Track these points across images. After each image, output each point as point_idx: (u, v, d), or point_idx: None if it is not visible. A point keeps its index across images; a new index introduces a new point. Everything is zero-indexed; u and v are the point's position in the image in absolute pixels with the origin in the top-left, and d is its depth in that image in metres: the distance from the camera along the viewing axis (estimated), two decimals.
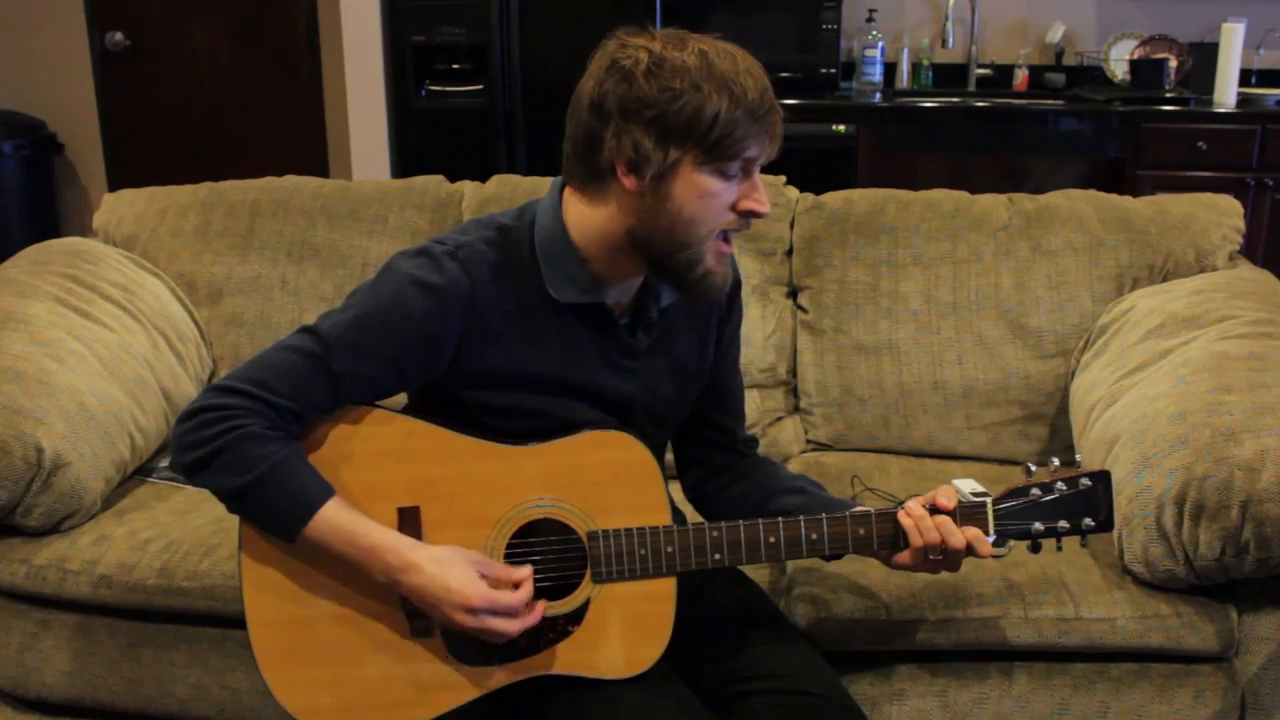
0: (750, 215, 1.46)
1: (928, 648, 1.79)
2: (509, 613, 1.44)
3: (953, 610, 1.77)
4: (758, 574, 1.87)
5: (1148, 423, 1.85)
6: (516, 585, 1.47)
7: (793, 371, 2.41)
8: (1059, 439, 2.28)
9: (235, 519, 1.50)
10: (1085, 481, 1.55)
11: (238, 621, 1.53)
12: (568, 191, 1.52)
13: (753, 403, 2.36)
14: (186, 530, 1.99)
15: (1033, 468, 1.57)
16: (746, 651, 1.59)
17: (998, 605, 1.78)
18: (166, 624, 1.96)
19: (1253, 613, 1.80)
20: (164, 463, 2.26)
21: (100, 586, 1.92)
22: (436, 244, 1.51)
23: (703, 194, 1.42)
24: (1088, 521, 1.55)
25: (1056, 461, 1.56)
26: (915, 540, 1.51)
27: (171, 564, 1.92)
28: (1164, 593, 1.79)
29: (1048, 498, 1.54)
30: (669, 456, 1.79)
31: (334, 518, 1.44)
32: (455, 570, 1.43)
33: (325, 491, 1.45)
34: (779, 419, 2.40)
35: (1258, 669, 1.80)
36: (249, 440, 1.42)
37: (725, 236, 1.48)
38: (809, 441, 2.40)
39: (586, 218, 1.49)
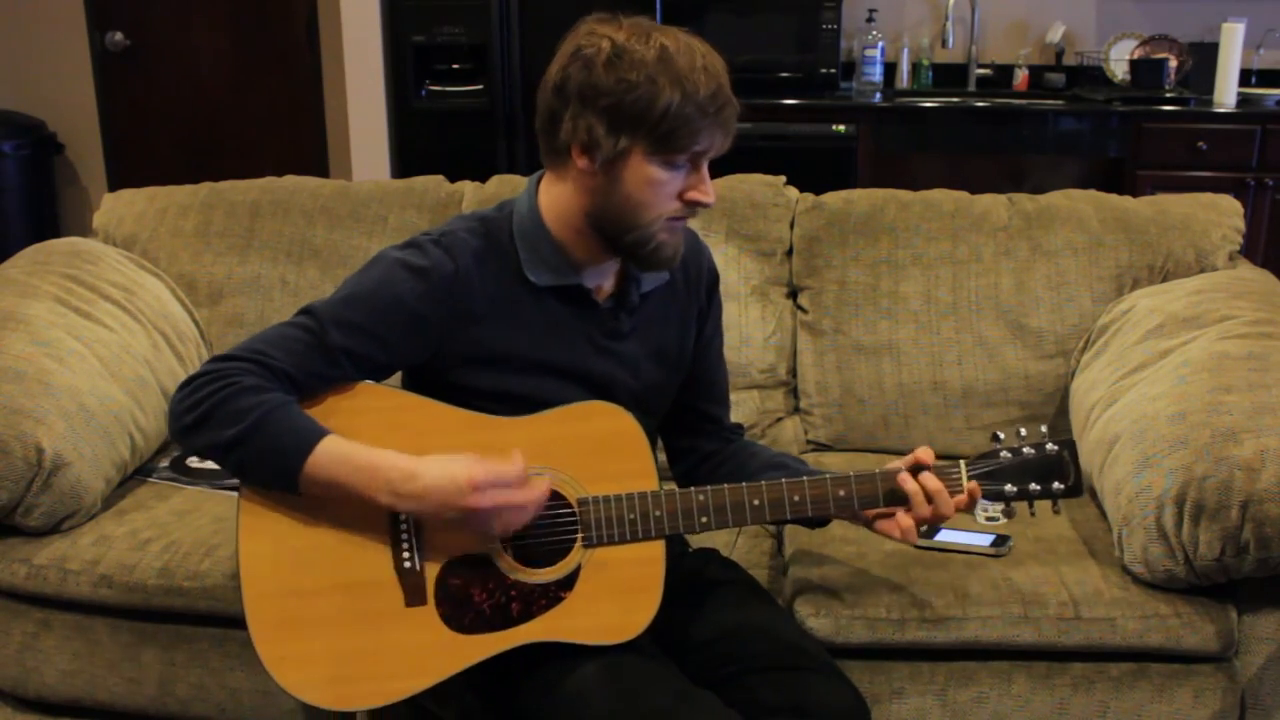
0: (695, 205, 1.53)
1: (927, 646, 1.79)
2: (517, 487, 1.45)
3: (952, 609, 1.77)
4: (757, 571, 1.87)
5: (1148, 423, 1.85)
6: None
7: (793, 372, 2.41)
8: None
9: (235, 519, 1.51)
10: (1051, 446, 1.61)
11: (238, 621, 1.53)
12: (544, 177, 1.60)
13: (753, 403, 2.36)
14: (187, 530, 1.99)
15: (1000, 434, 1.62)
16: (738, 632, 1.61)
17: (998, 605, 1.78)
18: (167, 624, 1.96)
19: (1253, 613, 1.80)
20: (164, 463, 2.26)
21: (100, 586, 1.92)
22: (422, 235, 1.60)
23: (650, 182, 1.49)
24: (1057, 485, 1.60)
25: (1023, 430, 1.61)
26: (921, 508, 1.56)
27: (172, 564, 1.92)
28: (1164, 593, 1.79)
29: (1018, 460, 1.60)
30: (662, 457, 1.81)
31: (333, 449, 1.46)
32: (456, 461, 1.45)
33: (322, 430, 1.47)
34: (779, 419, 2.40)
35: (1258, 669, 1.80)
36: (244, 391, 1.45)
37: (677, 218, 1.54)
38: (809, 442, 2.40)
39: (554, 197, 1.57)
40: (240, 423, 1.44)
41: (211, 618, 1.92)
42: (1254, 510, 1.68)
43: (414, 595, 1.52)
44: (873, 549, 1.90)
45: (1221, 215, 2.38)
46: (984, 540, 1.91)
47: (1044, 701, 1.81)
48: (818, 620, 1.78)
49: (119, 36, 4.65)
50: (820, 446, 2.39)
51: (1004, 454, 1.60)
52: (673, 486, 1.60)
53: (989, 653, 1.81)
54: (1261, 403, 1.79)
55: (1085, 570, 1.84)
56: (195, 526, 2.00)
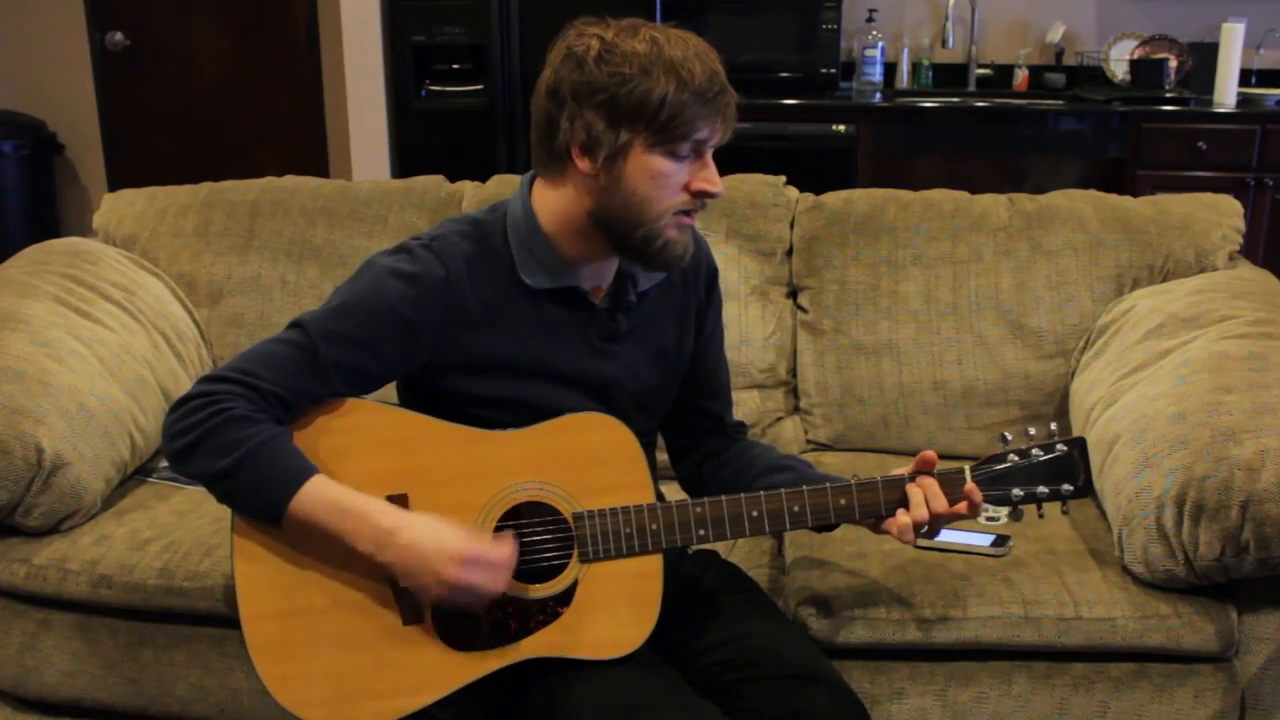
0: (703, 195, 1.51)
1: (927, 646, 1.79)
2: (494, 567, 1.45)
3: (953, 609, 1.77)
4: (757, 572, 1.88)
5: (1148, 423, 1.85)
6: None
7: (793, 371, 2.41)
8: None
9: (229, 539, 1.51)
10: (1061, 447, 1.57)
11: (237, 621, 1.53)
12: (536, 180, 1.58)
13: (753, 403, 2.36)
14: (186, 530, 1.99)
15: (1008, 435, 1.59)
16: (740, 640, 1.60)
17: (998, 604, 1.78)
18: (166, 624, 1.96)
19: (1253, 613, 1.79)
20: (164, 462, 2.26)
21: (100, 586, 1.92)
22: (412, 240, 1.58)
23: (654, 175, 1.48)
24: (1066, 487, 1.57)
25: (1032, 430, 1.59)
26: (920, 510, 1.53)
27: (171, 564, 1.92)
28: (1164, 593, 1.79)
29: (1025, 463, 1.56)
30: (663, 456, 1.80)
31: (320, 491, 1.45)
32: (444, 527, 1.45)
33: (310, 469, 1.46)
34: (779, 419, 2.40)
35: (1258, 669, 1.80)
36: (235, 421, 1.45)
37: (686, 214, 1.52)
38: (809, 442, 2.40)
39: (551, 202, 1.55)
40: (228, 456, 1.44)
41: (211, 618, 1.92)
42: (1254, 510, 1.68)
43: (411, 614, 1.51)
44: (873, 549, 1.90)
45: (1221, 215, 2.37)
46: (984, 540, 1.91)
47: (1044, 702, 1.81)
48: (818, 621, 1.78)
49: (119, 36, 4.65)
50: (820, 446, 2.39)
51: (1011, 456, 1.57)
52: (673, 499, 1.58)
53: (989, 653, 1.81)
54: (1261, 403, 1.79)
55: (1085, 570, 1.84)
56: (195, 526, 2.00)
